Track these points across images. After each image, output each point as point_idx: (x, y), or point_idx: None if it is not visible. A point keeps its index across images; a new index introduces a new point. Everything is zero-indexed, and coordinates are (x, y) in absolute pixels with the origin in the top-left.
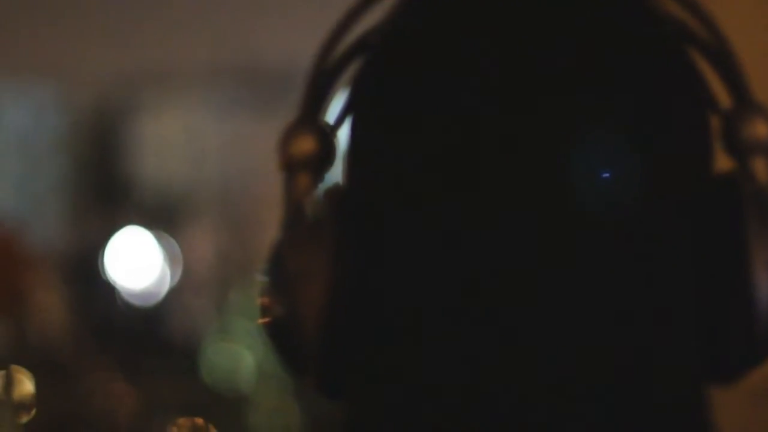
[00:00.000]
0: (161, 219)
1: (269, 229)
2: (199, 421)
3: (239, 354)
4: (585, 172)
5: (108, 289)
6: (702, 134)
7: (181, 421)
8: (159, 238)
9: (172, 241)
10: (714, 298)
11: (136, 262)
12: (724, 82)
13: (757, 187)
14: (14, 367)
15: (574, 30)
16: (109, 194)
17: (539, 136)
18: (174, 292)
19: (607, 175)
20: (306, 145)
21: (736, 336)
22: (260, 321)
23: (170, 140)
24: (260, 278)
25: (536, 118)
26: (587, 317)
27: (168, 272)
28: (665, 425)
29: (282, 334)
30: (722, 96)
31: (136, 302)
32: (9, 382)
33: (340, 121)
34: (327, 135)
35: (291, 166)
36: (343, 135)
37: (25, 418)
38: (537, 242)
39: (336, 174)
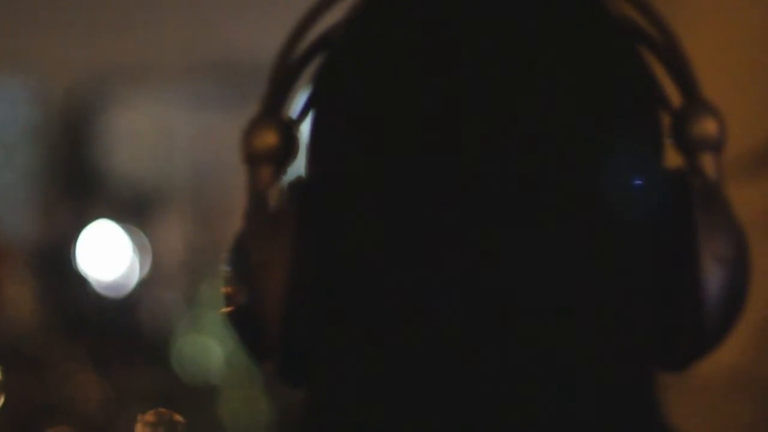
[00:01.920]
0: (132, 212)
1: (240, 222)
2: (164, 411)
3: (209, 346)
4: (541, 166)
5: (78, 280)
6: (653, 131)
7: (148, 414)
8: (129, 231)
9: (142, 233)
10: (664, 290)
11: (107, 253)
12: (673, 80)
13: (706, 183)
14: None
15: (529, 29)
16: (80, 187)
17: (495, 131)
18: (144, 284)
19: (566, 169)
20: (268, 138)
21: (685, 327)
22: (223, 310)
23: (141, 134)
24: (223, 268)
25: (489, 112)
26: (535, 298)
27: (138, 264)
28: (611, 407)
29: (244, 323)
30: (672, 94)
31: (107, 293)
32: None
33: (302, 115)
34: (289, 129)
35: (253, 160)
36: (306, 129)
37: None
38: (500, 231)
39: (301, 167)
